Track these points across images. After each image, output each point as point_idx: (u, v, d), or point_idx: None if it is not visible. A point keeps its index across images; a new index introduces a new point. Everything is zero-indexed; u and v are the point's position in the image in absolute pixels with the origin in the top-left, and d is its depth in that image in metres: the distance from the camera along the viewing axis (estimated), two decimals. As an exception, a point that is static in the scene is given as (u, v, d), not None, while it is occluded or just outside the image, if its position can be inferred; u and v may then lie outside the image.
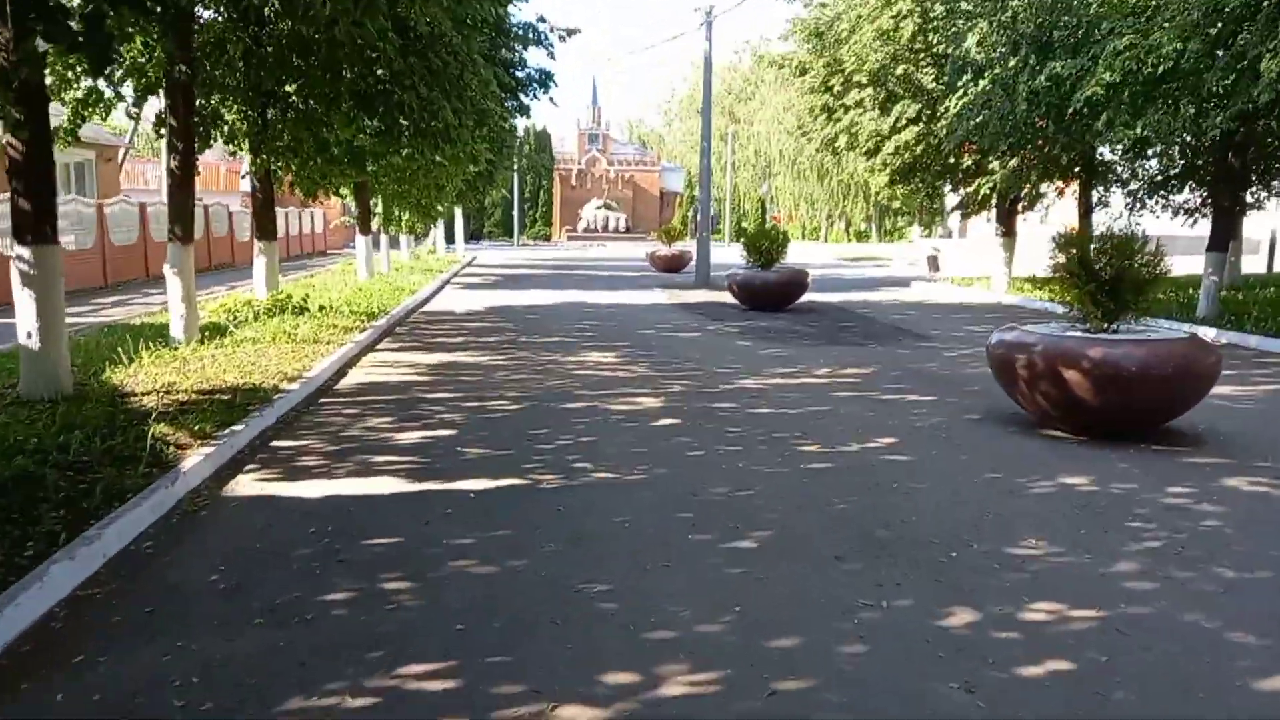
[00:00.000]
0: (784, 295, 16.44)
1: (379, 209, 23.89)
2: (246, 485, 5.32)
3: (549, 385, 8.75)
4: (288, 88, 11.92)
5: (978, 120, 15.37)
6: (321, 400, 7.86)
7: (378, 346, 11.20)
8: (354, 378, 8.98)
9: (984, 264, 28.66)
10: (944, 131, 17.43)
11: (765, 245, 16.31)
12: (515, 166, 38.15)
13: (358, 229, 21.76)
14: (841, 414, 7.54)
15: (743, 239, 16.70)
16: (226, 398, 7.05)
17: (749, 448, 6.36)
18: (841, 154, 20.50)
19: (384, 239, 25.01)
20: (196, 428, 6.02)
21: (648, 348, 11.50)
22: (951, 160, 19.78)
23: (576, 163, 62.99)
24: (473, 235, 56.13)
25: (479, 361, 10.17)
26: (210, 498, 5.07)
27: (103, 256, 18.56)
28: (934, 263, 23.75)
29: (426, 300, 17.84)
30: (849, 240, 60.37)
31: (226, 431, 6.10)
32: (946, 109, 17.36)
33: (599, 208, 61.33)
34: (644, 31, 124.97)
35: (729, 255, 29.02)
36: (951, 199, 46.33)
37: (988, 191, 17.72)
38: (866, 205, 57.87)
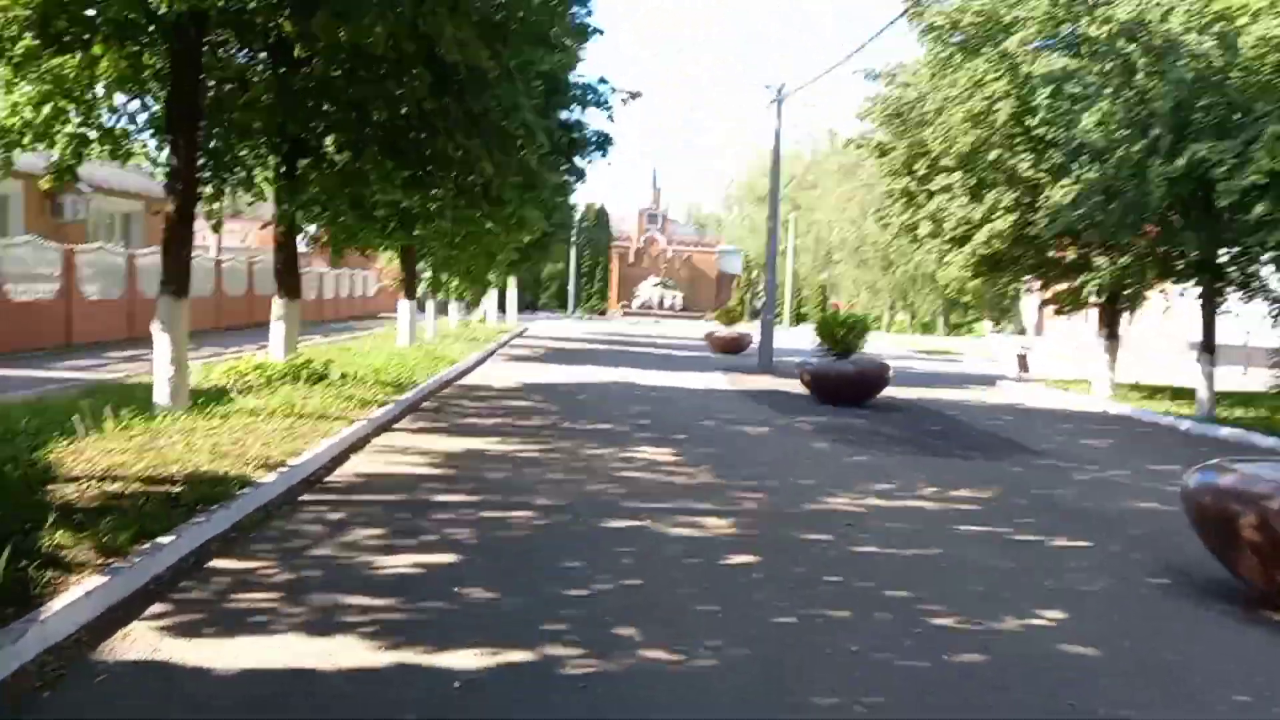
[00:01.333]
0: (862, 389, 14.61)
1: (427, 274, 22.83)
2: (136, 642, 3.66)
3: (589, 489, 7.05)
4: (318, 133, 10.75)
5: (1091, 208, 13.60)
6: (303, 498, 6.26)
7: (395, 425, 9.64)
8: (354, 466, 7.38)
9: (1069, 365, 26.49)
10: (1044, 221, 15.67)
11: (842, 333, 14.59)
12: (572, 240, 37.25)
13: (402, 293, 20.59)
14: (973, 562, 5.67)
15: (816, 324, 15.02)
16: (177, 490, 5.48)
17: (861, 615, 4.54)
18: (922, 241, 18.83)
19: (430, 304, 23.88)
20: (107, 538, 4.42)
21: (709, 444, 9.77)
22: (1050, 254, 17.93)
23: (635, 241, 62.40)
24: (528, 306, 55.43)
25: (509, 451, 8.52)
26: (68, 666, 3.41)
27: (131, 308, 17.52)
28: (1023, 362, 21.72)
29: (466, 372, 16.39)
30: (912, 331, 58.26)
31: (147, 545, 4.49)
32: (1048, 197, 15.64)
33: (656, 285, 60.41)
34: (706, 114, 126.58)
35: (789, 339, 27.37)
36: (1028, 295, 44.16)
37: (1093, 289, 15.80)
38: (934, 297, 55.90)
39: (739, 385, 17.11)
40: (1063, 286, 19.53)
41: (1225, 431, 13.33)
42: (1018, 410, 15.70)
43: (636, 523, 6.07)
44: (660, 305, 59.59)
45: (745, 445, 9.94)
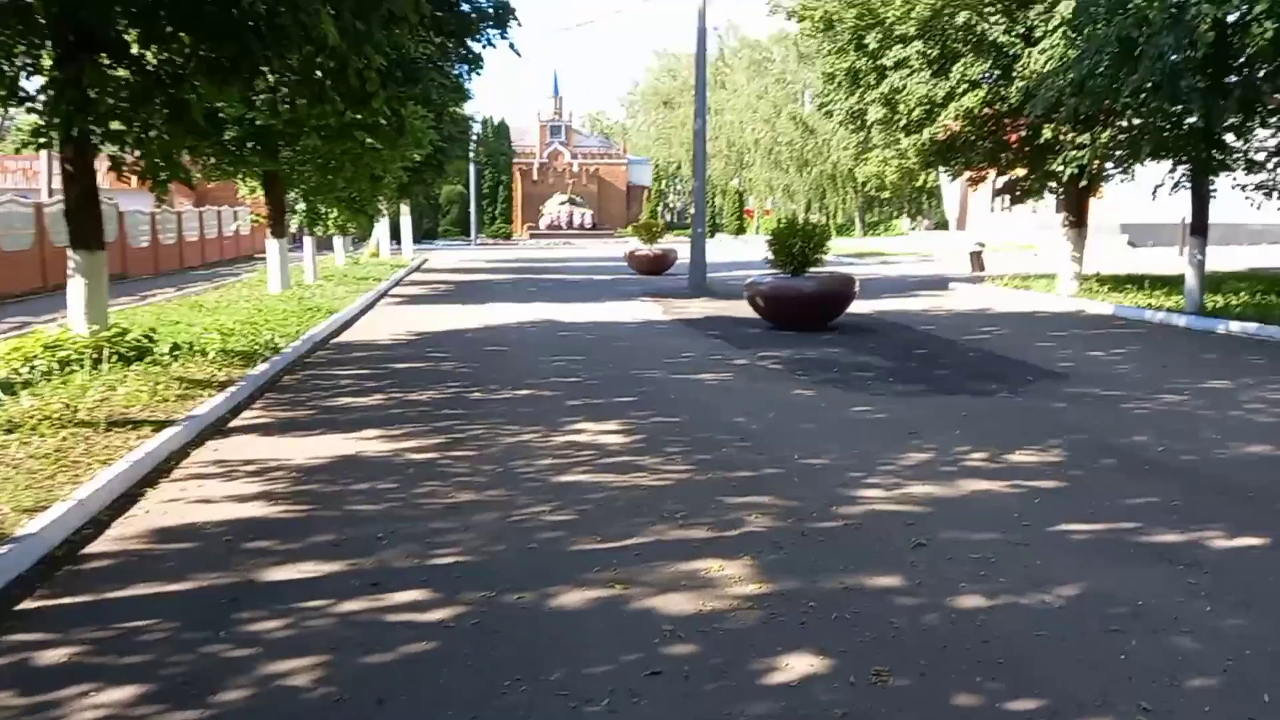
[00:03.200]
0: (824, 310, 12.45)
1: (300, 205, 19.53)
2: None
3: (515, 520, 4.65)
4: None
5: (1089, 72, 11.46)
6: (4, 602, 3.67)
7: (232, 423, 6.96)
8: (140, 518, 4.73)
9: (1013, 260, 25.00)
10: (1019, 96, 13.55)
11: (798, 246, 12.30)
12: (471, 155, 33.81)
13: (269, 231, 17.37)
14: (1177, 624, 3.52)
15: (769, 237, 12.69)
16: None
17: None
18: (871, 128, 16.53)
19: (309, 242, 20.61)
20: None
21: (666, 407, 7.43)
22: (1022, 133, 15.89)
23: (538, 156, 58.64)
24: (426, 235, 51.57)
25: (394, 453, 6.00)
26: None
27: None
28: (978, 260, 19.94)
29: (348, 324, 13.56)
30: (831, 235, 56.83)
31: None
32: (1024, 66, 13.48)
33: (563, 203, 57.05)
34: (603, 9, 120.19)
35: (711, 253, 25.08)
36: (948, 187, 42.66)
37: (1075, 171, 13.87)
38: (850, 197, 54.29)
39: (676, 313, 14.77)
40: (1020, 172, 17.70)
41: (1234, 326, 11.71)
42: (992, 317, 13.83)
43: (601, 594, 3.71)
44: (569, 224, 56.40)
45: (712, 403, 7.64)
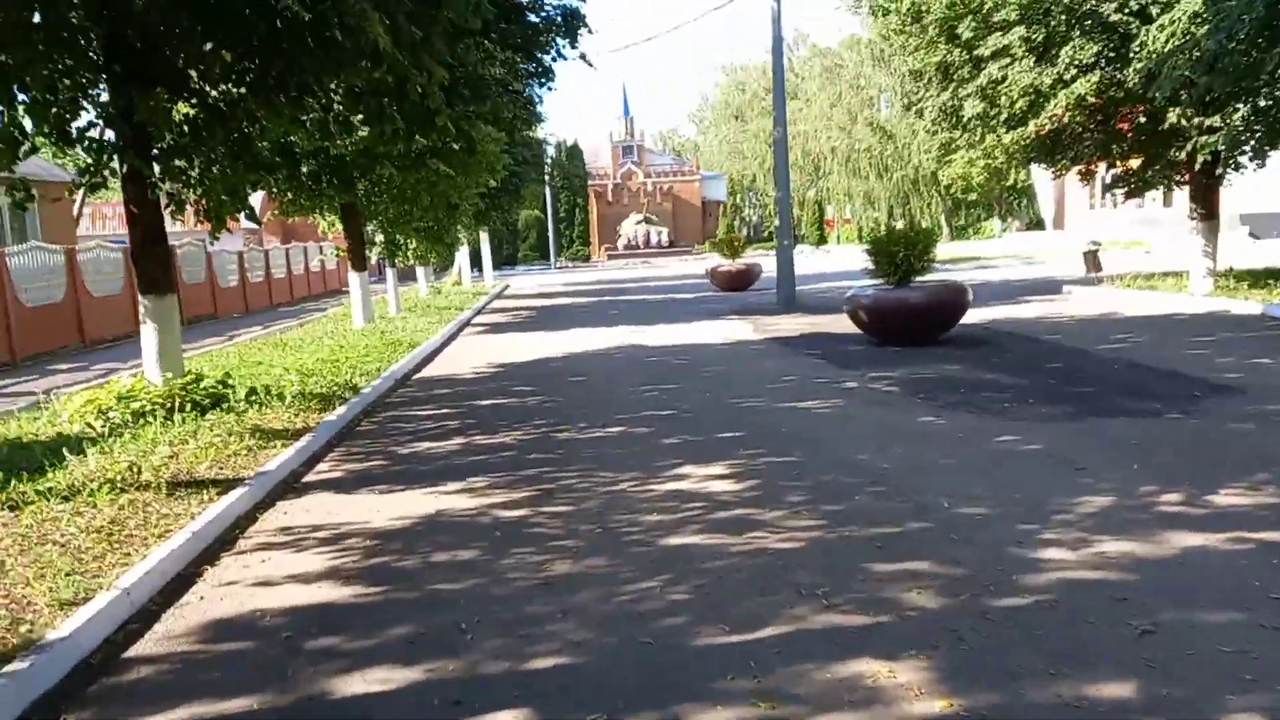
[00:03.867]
0: (934, 323, 11.41)
1: (379, 238, 19.37)
2: None
3: (622, 599, 3.88)
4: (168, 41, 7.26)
5: (1221, 48, 10.22)
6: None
7: (305, 477, 6.40)
8: (183, 614, 4.09)
9: (1123, 258, 23.28)
10: (1140, 77, 12.28)
11: (902, 254, 11.31)
12: (545, 178, 33.58)
13: (349, 265, 17.19)
14: None
15: (869, 246, 11.73)
16: None
17: None
18: (969, 124, 15.37)
19: (390, 273, 20.47)
20: None
21: (776, 441, 6.58)
22: (1139, 120, 14.56)
23: (611, 177, 58.45)
24: (506, 261, 51.83)
25: (479, 511, 5.31)
26: None
27: (5, 322, 14.12)
28: (1094, 260, 18.43)
29: (430, 358, 13.10)
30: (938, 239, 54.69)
31: None
32: (1142, 44, 12.22)
33: (639, 222, 56.66)
34: (668, 26, 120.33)
35: (795, 266, 24.07)
36: (1043, 184, 40.57)
37: (1208, 158, 12.51)
38: (936, 200, 52.35)
39: (769, 331, 13.88)
40: (1135, 163, 16.28)
41: None
42: (1123, 322, 12.52)
43: (743, 717, 2.89)
44: (646, 243, 55.96)
45: (827, 436, 6.75)
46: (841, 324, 13.89)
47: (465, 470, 6.24)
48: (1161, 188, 17.51)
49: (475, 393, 9.62)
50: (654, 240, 56.18)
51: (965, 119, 15.16)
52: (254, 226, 33.27)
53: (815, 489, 5.38)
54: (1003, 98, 13.84)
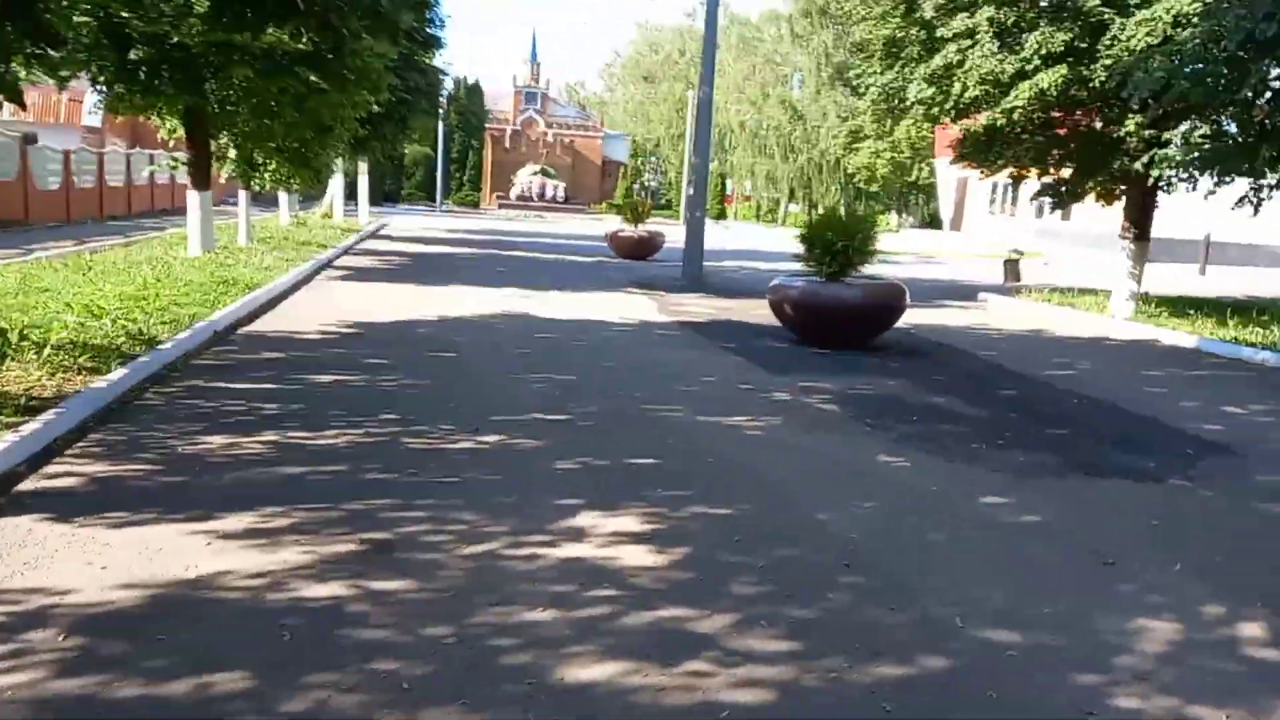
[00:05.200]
0: (868, 327, 10.05)
1: (232, 154, 16.57)
2: None
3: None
4: None
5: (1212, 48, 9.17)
6: None
7: (23, 483, 4.33)
8: None
9: (1025, 266, 22.79)
10: (1111, 75, 11.20)
11: (839, 243, 9.85)
12: (439, 113, 30.82)
13: (190, 180, 14.49)
14: None
15: (804, 231, 10.22)
16: None
17: None
18: (911, 109, 14.09)
19: (243, 197, 17.71)
20: None
21: (707, 479, 4.96)
22: (1080, 128, 13.62)
23: (511, 123, 55.54)
24: (387, 197, 48.34)
25: (267, 580, 3.44)
26: None
27: None
28: (1014, 270, 17.63)
29: (273, 304, 10.82)
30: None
31: None
32: (1115, 39, 11.13)
33: (535, 173, 54.08)
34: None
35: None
36: (945, 184, 40.47)
37: (1167, 173, 11.62)
38: (837, 187, 52.01)
39: (676, 313, 12.25)
40: (1066, 172, 15.43)
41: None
42: (1055, 344, 11.53)
43: None
44: (541, 196, 53.47)
45: (772, 475, 5.18)
46: (755, 312, 12.45)
47: (266, 493, 4.32)
48: (1066, 200, 16.74)
49: (313, 362, 7.56)
50: (549, 193, 53.76)
51: (909, 102, 13.84)
52: (95, 125, 29.27)
53: (770, 572, 3.78)
54: (956, 84, 12.55)
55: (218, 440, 5.11)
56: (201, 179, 14.36)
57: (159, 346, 7.04)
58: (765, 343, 10.04)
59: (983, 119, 12.92)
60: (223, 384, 6.52)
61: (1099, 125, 12.94)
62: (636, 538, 4.07)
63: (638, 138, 64.76)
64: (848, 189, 51.27)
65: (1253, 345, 11.15)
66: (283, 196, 23.13)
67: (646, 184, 69.67)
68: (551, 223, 39.86)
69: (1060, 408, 7.57)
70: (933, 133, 36.94)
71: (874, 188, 47.82)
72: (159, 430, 5.26)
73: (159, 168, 18.71)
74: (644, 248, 21.40)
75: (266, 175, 17.10)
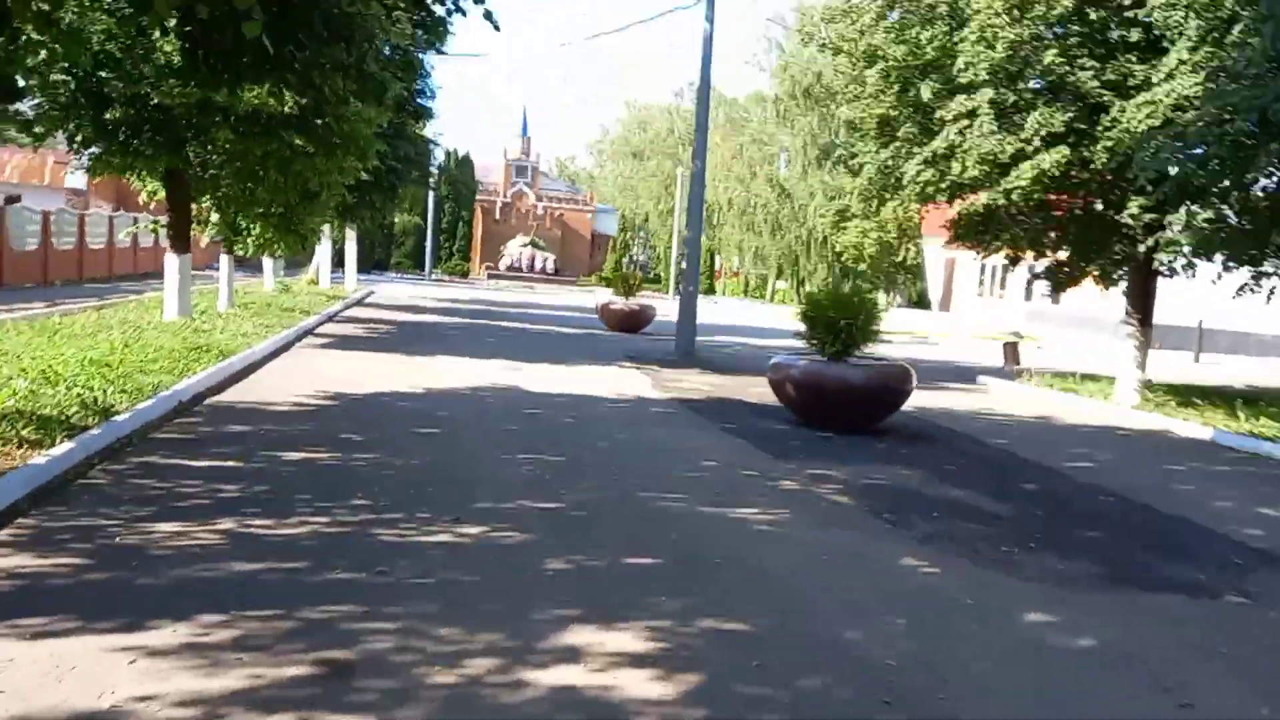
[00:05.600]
0: (874, 410, 9.58)
1: (215, 217, 16.17)
2: None
3: None
4: None
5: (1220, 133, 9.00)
6: None
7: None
8: None
9: (1030, 352, 22.43)
10: (1108, 155, 11.04)
11: (843, 321, 9.45)
12: (430, 182, 30.76)
13: (170, 244, 14.04)
14: None
15: (804, 306, 9.83)
16: None
17: None
18: (907, 190, 13.94)
19: (225, 261, 17.26)
20: None
21: (715, 586, 4.39)
22: (1076, 210, 13.48)
23: (501, 195, 55.81)
24: (376, 265, 48.17)
25: (199, 713, 2.85)
26: None
27: None
28: (1014, 353, 17.32)
29: (246, 372, 10.25)
30: (799, 302, 54.22)
31: None
32: (1115, 120, 10.99)
33: (525, 245, 54.10)
34: (577, 54, 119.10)
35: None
36: (933, 264, 40.62)
37: (1177, 257, 11.38)
38: (825, 265, 52.27)
39: (671, 389, 11.76)
40: (1062, 255, 15.24)
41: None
42: (1065, 432, 11.08)
43: None
44: (530, 267, 53.40)
45: (787, 584, 4.62)
46: (752, 390, 11.98)
47: (211, 595, 3.72)
48: (1052, 284, 16.42)
49: (282, 438, 6.98)
50: (539, 265, 53.72)
51: (905, 182, 13.65)
52: (80, 187, 28.95)
53: (800, 709, 3.20)
54: (955, 164, 12.37)
55: (165, 528, 4.51)
56: (181, 242, 13.90)
57: (115, 418, 6.45)
58: (766, 424, 9.54)
59: (983, 198, 12.70)
60: (180, 461, 5.93)
61: (1100, 207, 12.73)
62: (639, 660, 3.48)
63: (626, 212, 65.35)
64: (834, 267, 51.51)
65: (1272, 439, 10.73)
66: (267, 262, 22.71)
67: (635, 257, 70.08)
68: (541, 294, 39.64)
69: (1088, 505, 7.06)
70: (920, 214, 37.27)
71: (861, 266, 48.04)
72: (99, 515, 4.65)
73: (137, 230, 18.27)
74: (635, 320, 21.05)
75: (250, 240, 16.69)
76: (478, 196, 55.06)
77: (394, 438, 7.27)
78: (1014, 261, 15.99)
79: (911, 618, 4.21)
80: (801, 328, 9.83)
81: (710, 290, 57.48)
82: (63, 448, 5.48)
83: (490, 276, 51.69)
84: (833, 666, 3.60)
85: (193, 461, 5.92)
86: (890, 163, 14.07)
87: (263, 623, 3.50)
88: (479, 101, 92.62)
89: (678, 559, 4.79)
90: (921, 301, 47.84)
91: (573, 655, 3.48)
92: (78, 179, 26.24)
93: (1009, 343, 17.23)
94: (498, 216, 55.01)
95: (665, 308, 24.98)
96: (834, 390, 9.31)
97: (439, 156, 33.17)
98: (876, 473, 7.51)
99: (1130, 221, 11.99)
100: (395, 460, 6.48)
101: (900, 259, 45.94)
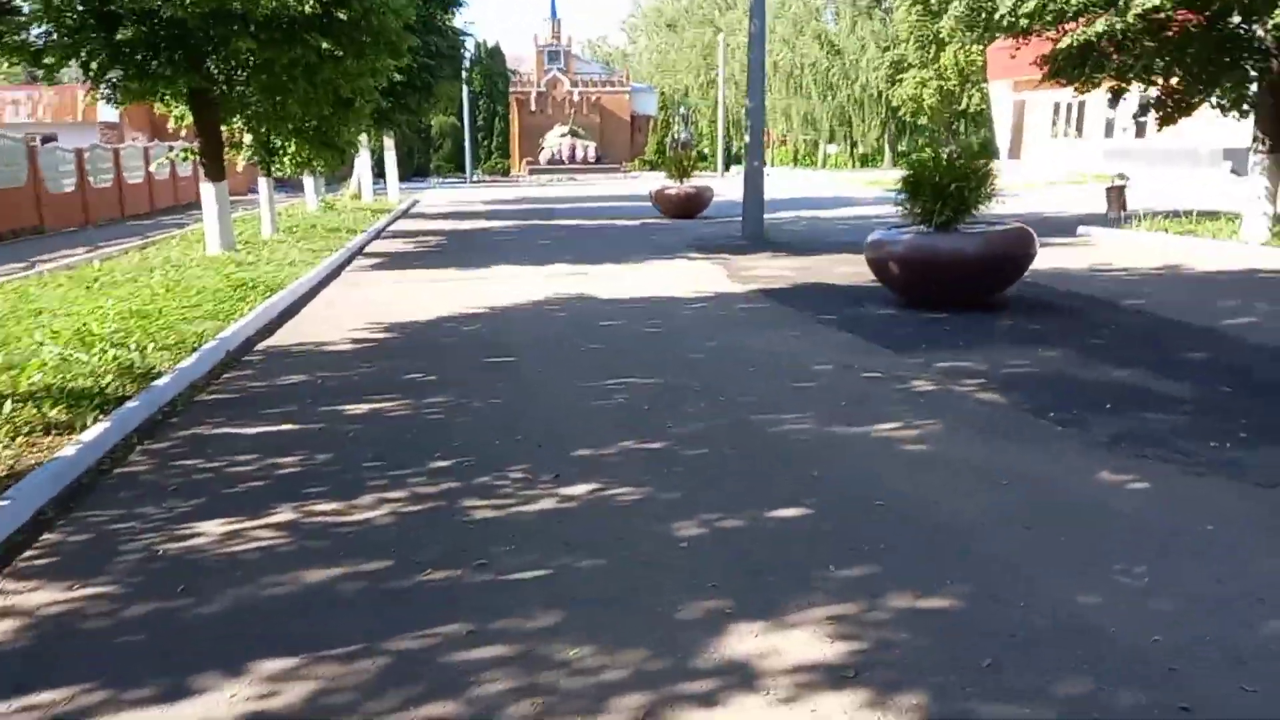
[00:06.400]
0: (991, 281, 8.45)
1: (248, 138, 15.25)
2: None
3: None
4: None
5: None
6: None
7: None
8: None
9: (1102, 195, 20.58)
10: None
11: (951, 185, 8.22)
12: (463, 77, 29.19)
13: (203, 171, 13.19)
14: None
15: (906, 175, 8.58)
16: None
17: None
18: (994, 25, 12.25)
19: (264, 184, 16.42)
20: None
21: (872, 527, 3.51)
22: (1232, 20, 11.71)
23: (536, 84, 53.48)
24: (416, 172, 46.96)
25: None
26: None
27: None
28: (1119, 197, 15.69)
29: (297, 307, 9.51)
30: (853, 166, 51.60)
31: None
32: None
33: (564, 135, 52.15)
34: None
35: (732, 190, 20.98)
36: (1000, 111, 37.81)
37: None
38: (879, 123, 49.36)
39: (749, 279, 10.71)
40: (1172, 83, 13.51)
41: None
42: (1202, 281, 9.83)
43: None
44: (571, 158, 51.62)
45: (976, 531, 3.72)
46: (838, 270, 10.94)
47: (277, 627, 2.97)
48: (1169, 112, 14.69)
49: (342, 386, 6.20)
50: (580, 155, 51.90)
51: (997, 16, 11.98)
52: (113, 120, 28.15)
53: (1068, 739, 2.33)
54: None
55: (215, 529, 3.77)
56: (215, 169, 13.03)
57: (155, 384, 5.72)
58: (867, 310, 8.50)
59: (1099, 24, 11.04)
60: (230, 429, 5.19)
61: (1237, 19, 10.98)
62: (835, 677, 2.64)
63: (665, 89, 62.37)
64: (889, 125, 48.59)
65: None
66: (308, 180, 21.83)
67: (676, 136, 67.51)
68: (586, 185, 38.17)
69: (1276, 373, 5.97)
70: (984, 55, 34.40)
71: (921, 120, 45.17)
72: (138, 516, 3.93)
73: (169, 159, 17.47)
74: (692, 204, 19.77)
75: (286, 160, 15.77)
76: (511, 89, 52.94)
77: (464, 373, 6.45)
78: (1117, 95, 14.24)
79: (1156, 574, 3.27)
80: (902, 195, 8.63)
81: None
82: (96, 430, 4.76)
83: (532, 172, 50.15)
84: (1084, 654, 2.71)
85: (244, 429, 5.17)
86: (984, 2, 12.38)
87: (343, 665, 2.74)
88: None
89: (829, 505, 3.91)
90: (984, 150, 45.01)
91: (745, 677, 2.65)
92: (110, 112, 25.47)
93: (1113, 186, 15.58)
94: (533, 108, 52.94)
95: (720, 186, 23.57)
96: (947, 264, 8.18)
97: (470, 48, 31.37)
98: (1016, 358, 6.48)
99: (1263, 35, 10.32)
100: (471, 402, 5.66)
101: (962, 108, 43.01)
